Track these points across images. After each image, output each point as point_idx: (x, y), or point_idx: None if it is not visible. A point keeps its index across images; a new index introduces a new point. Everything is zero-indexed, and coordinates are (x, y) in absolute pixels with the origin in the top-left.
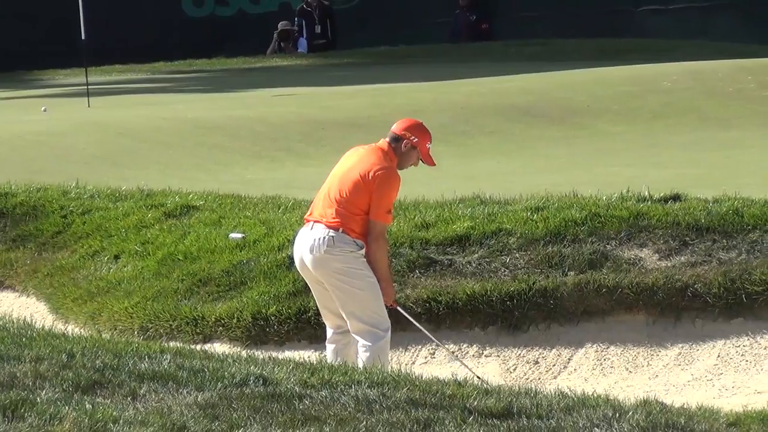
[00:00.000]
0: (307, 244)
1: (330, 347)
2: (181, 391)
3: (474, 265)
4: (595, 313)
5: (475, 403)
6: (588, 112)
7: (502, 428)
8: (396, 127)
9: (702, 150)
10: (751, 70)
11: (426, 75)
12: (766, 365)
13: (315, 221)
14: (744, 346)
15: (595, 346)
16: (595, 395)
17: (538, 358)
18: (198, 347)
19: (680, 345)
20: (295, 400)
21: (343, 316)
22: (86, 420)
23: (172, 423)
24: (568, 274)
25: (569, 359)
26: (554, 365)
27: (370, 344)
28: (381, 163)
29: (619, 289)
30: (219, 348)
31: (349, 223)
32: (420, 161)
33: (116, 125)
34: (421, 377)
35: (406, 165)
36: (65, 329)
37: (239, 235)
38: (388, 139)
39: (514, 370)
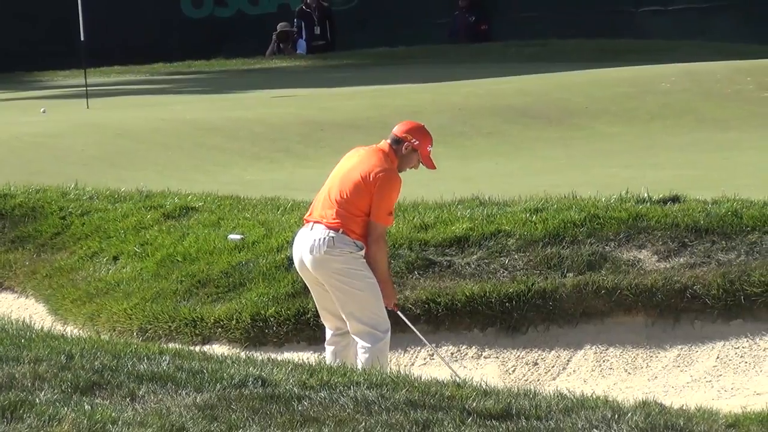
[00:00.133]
0: (307, 244)
1: (329, 349)
2: (180, 392)
3: (473, 266)
4: (594, 314)
5: (474, 404)
6: (586, 113)
7: (500, 429)
8: (397, 129)
9: (700, 151)
10: (750, 71)
11: (425, 76)
12: (765, 367)
13: (315, 222)
14: (743, 347)
15: (594, 347)
16: (594, 396)
17: (537, 360)
18: (197, 348)
19: (679, 346)
20: (294, 401)
21: (343, 317)
22: (85, 421)
23: (171, 424)
24: (567, 275)
25: (568, 360)
26: (553, 366)
27: (369, 345)
28: (382, 165)
29: (618, 291)
30: (218, 349)
31: (349, 224)
32: (420, 164)
33: (115, 126)
34: (420, 378)
35: (406, 167)
36: (64, 330)
37: (238, 237)
38: (389, 141)
39: (513, 371)
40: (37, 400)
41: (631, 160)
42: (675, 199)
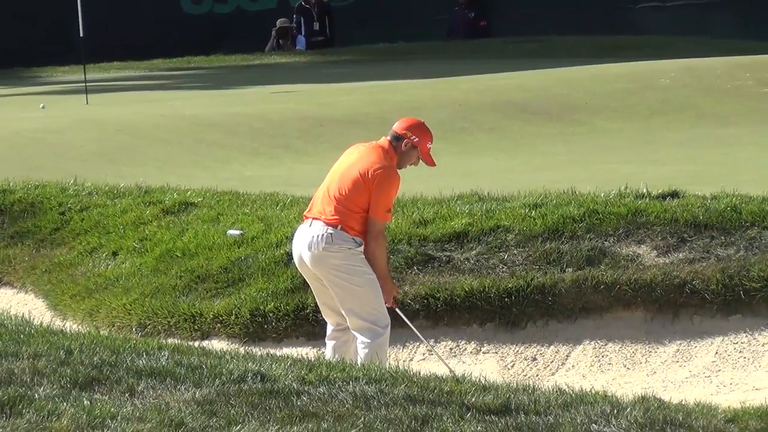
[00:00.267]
0: (306, 240)
1: (329, 344)
2: (179, 387)
3: (472, 261)
4: (593, 309)
5: (473, 399)
6: (586, 109)
7: (500, 424)
8: (397, 126)
9: (699, 147)
10: (749, 67)
11: (424, 72)
12: (764, 362)
13: (314, 218)
14: (742, 342)
15: (593, 342)
16: (593, 392)
17: (536, 355)
18: (196, 344)
19: (678, 342)
20: (293, 397)
21: (343, 312)
22: (84, 416)
23: (170, 419)
24: (566, 270)
25: (567, 356)
26: (552, 362)
27: (369, 341)
28: (381, 162)
29: (617, 286)
30: (217, 344)
31: (347, 221)
32: (420, 161)
33: (114, 122)
34: (419, 374)
35: (405, 164)
36: (63, 326)
37: (237, 232)
38: (389, 138)
39: (512, 366)
40: (36, 395)
41: (631, 155)
42: (674, 195)
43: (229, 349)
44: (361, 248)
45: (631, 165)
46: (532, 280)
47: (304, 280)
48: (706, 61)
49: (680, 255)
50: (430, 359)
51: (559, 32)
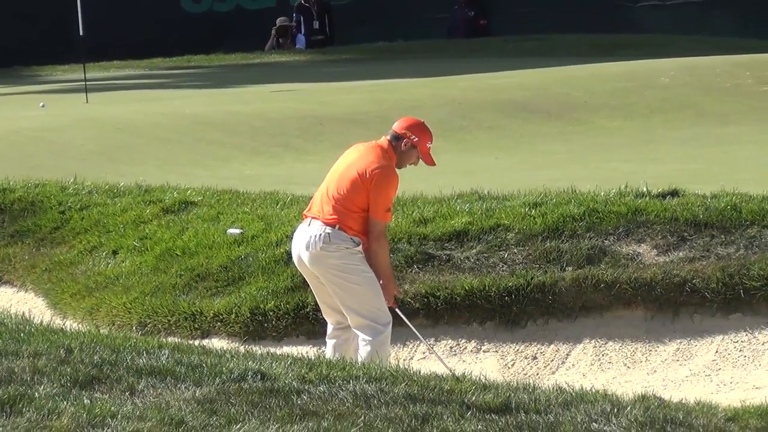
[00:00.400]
0: (304, 240)
1: (330, 342)
2: (179, 386)
3: (472, 260)
4: (594, 308)
5: (474, 398)
6: (585, 107)
7: (500, 423)
8: (397, 126)
9: (699, 146)
10: (749, 65)
11: (424, 71)
12: (765, 360)
13: (313, 217)
14: (742, 341)
15: (593, 341)
16: (594, 390)
17: (536, 354)
18: (196, 342)
19: (678, 340)
20: (293, 395)
21: (343, 311)
22: (84, 415)
23: (170, 418)
24: (566, 269)
25: (567, 354)
26: (552, 360)
27: (370, 339)
28: (379, 162)
29: (618, 285)
30: (217, 343)
31: (346, 220)
32: (420, 161)
33: (114, 121)
34: (419, 372)
35: (405, 164)
36: (63, 324)
37: (237, 231)
38: (388, 137)
39: (512, 365)
40: (36, 394)
41: (631, 154)
42: (674, 194)
43: (230, 348)
44: (360, 247)
45: (631, 164)
46: (532, 278)
47: (304, 278)
48: (705, 59)
49: (680, 254)
50: (430, 358)
51: (558, 31)
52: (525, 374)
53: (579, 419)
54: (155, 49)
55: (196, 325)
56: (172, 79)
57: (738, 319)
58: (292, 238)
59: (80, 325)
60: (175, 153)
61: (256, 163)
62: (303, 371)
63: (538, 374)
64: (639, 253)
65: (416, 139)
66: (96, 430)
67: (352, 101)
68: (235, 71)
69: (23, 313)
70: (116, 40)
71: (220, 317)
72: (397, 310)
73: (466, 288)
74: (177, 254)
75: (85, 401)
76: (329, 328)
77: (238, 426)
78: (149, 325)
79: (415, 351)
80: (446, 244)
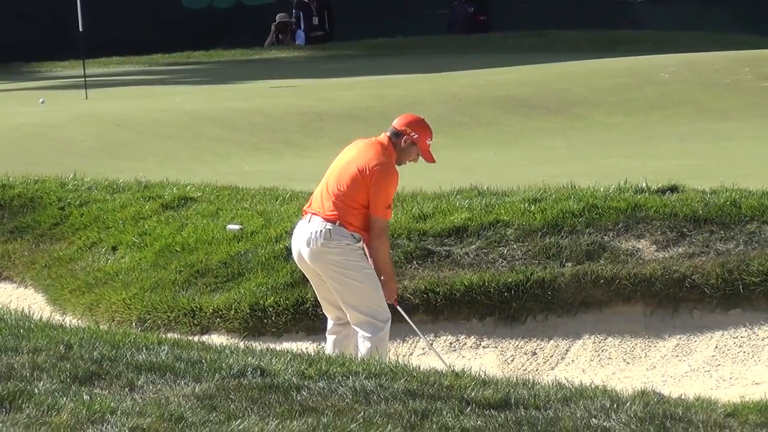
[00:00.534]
0: (304, 236)
1: (330, 338)
2: (178, 382)
3: (471, 256)
4: (593, 304)
5: (473, 393)
6: (585, 103)
7: (499, 419)
8: (397, 122)
9: (699, 141)
10: (748, 61)
11: (424, 66)
12: (764, 356)
13: (313, 214)
14: (741, 337)
15: (592, 337)
16: (593, 386)
17: (535, 349)
18: (196, 338)
19: (678, 336)
20: (293, 391)
21: (342, 307)
22: (84, 411)
23: (170, 414)
24: (566, 265)
25: (567, 350)
26: (552, 356)
27: (369, 335)
28: (379, 158)
29: (617, 281)
30: (216, 339)
31: (346, 217)
32: (420, 157)
33: (114, 117)
34: (419, 368)
35: (405, 160)
36: (63, 320)
37: (237, 227)
38: (388, 134)
39: (512, 361)
40: (35, 390)
41: (631, 150)
42: (673, 189)
43: (229, 344)
44: (360, 244)
45: (630, 159)
46: (531, 274)
47: (304, 274)
48: (705, 55)
49: (680, 249)
50: (429, 354)
51: (558, 27)
52: (524, 370)
53: (578, 415)
54: (155, 45)
55: (196, 321)
56: (172, 75)
57: (737, 315)
58: (291, 234)
59: (80, 321)
60: (175, 149)
61: (255, 159)
62: (302, 367)
63: (537, 370)
64: (638, 248)
65: (416, 136)
66: (95, 426)
67: (352, 97)
68: (234, 67)
69: (23, 309)
70: (116, 36)
71: (220, 313)
72: (398, 307)
73: (466, 284)
74: (176, 250)
75: (85, 397)
76: (329, 324)
77: (237, 422)
78: (149, 321)
79: (415, 347)
80: (446, 240)
